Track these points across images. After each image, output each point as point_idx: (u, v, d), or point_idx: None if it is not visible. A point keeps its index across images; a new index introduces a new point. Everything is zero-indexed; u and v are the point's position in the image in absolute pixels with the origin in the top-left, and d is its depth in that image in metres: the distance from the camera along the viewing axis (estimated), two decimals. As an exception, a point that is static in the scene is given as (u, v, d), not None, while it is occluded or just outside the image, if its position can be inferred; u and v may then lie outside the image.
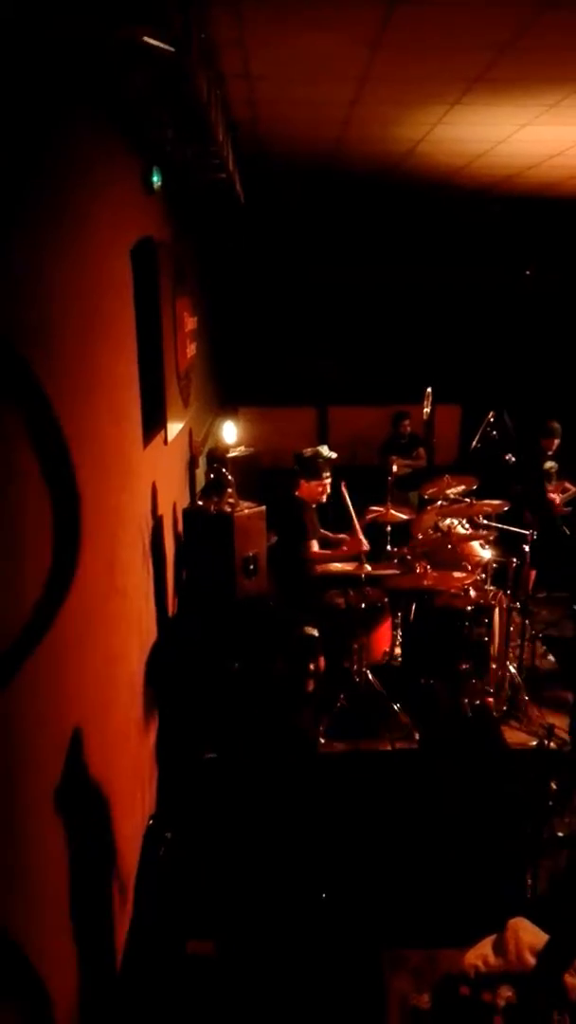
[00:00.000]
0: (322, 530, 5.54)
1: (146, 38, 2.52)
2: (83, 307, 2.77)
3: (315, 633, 4.01)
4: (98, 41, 2.56)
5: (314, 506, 5.42)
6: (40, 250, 2.30)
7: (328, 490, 5.44)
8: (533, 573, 6.47)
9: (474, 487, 6.03)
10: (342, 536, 5.47)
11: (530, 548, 5.34)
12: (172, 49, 2.57)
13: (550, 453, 6.95)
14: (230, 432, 6.63)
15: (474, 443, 5.51)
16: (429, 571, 5.13)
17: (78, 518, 2.22)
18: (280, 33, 3.37)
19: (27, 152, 2.18)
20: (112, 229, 3.31)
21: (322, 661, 3.81)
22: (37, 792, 2.16)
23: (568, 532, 6.03)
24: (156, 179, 4.20)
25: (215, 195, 5.83)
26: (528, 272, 9.11)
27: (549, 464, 6.95)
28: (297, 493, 5.36)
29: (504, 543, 5.77)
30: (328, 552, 5.38)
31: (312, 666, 3.67)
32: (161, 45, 2.56)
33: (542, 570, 6.35)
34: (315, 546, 5.35)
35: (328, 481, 5.39)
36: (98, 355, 2.99)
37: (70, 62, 2.58)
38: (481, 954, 3.05)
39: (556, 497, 6.64)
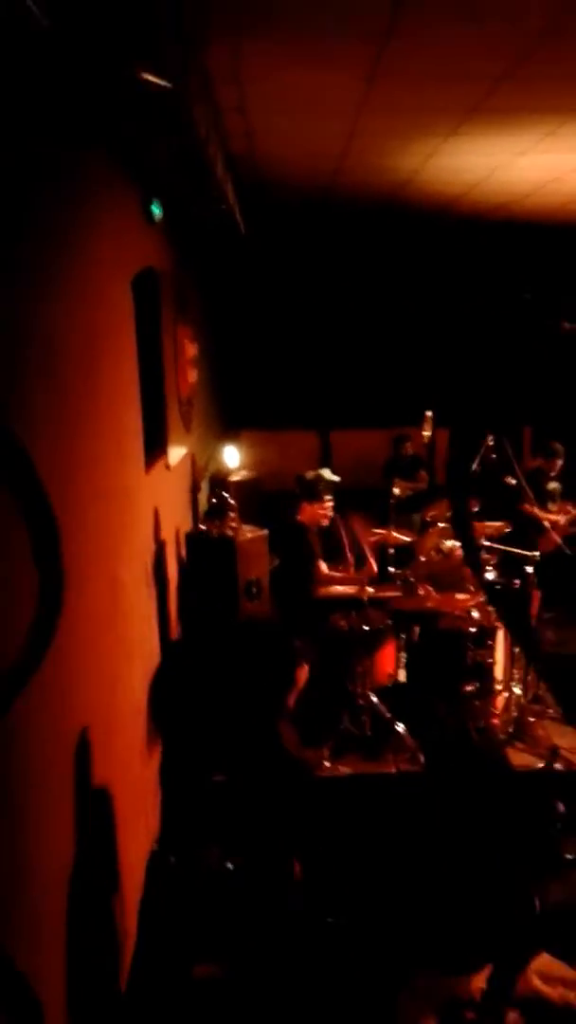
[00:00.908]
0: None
1: (145, 74, 2.59)
2: (85, 337, 2.82)
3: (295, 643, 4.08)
4: (97, 77, 2.63)
5: (316, 529, 5.45)
6: (42, 281, 2.35)
7: (331, 513, 5.46)
8: (538, 594, 6.47)
9: (475, 509, 6.05)
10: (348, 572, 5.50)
11: (534, 569, 5.35)
12: (169, 85, 2.64)
13: (553, 474, 6.97)
14: (232, 456, 6.67)
15: (474, 466, 5.56)
16: (432, 593, 5.14)
17: (59, 549, 2.20)
18: (276, 68, 3.45)
19: (29, 185, 2.24)
20: (113, 260, 3.38)
21: (305, 669, 3.81)
22: (39, 817, 2.17)
23: (570, 552, 6.06)
24: (157, 210, 4.28)
25: (216, 225, 5.92)
26: (527, 296, 9.19)
27: (552, 485, 6.97)
28: (299, 518, 5.38)
29: (507, 565, 5.78)
30: (338, 574, 5.40)
31: (294, 673, 3.67)
32: (159, 81, 2.62)
33: (548, 591, 6.36)
34: (324, 567, 5.38)
35: (330, 504, 5.41)
36: (100, 382, 3.04)
37: (71, 97, 2.66)
38: (487, 978, 3.03)
39: (560, 518, 6.65)
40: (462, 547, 5.58)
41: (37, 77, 2.25)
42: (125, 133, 3.30)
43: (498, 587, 5.65)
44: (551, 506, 6.76)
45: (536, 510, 6.48)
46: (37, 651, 2.08)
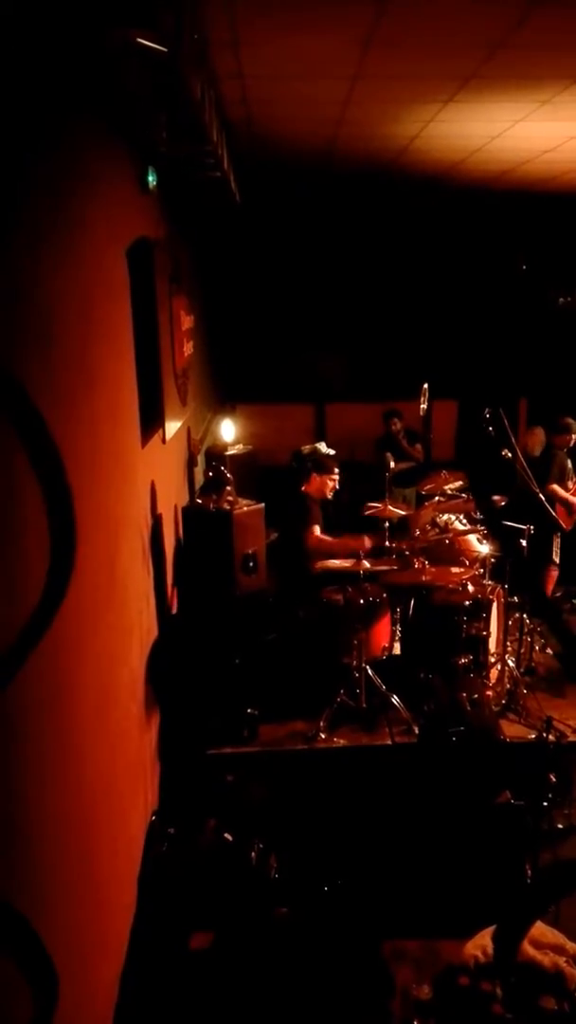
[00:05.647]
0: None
1: (139, 39, 2.54)
2: (80, 308, 2.79)
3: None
4: (92, 43, 2.58)
5: (319, 501, 5.50)
6: (37, 253, 2.32)
7: (336, 486, 5.55)
8: (555, 572, 6.51)
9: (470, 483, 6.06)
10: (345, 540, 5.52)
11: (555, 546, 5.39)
12: (164, 50, 2.59)
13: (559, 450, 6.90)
14: (228, 430, 6.65)
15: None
16: (427, 567, 5.15)
17: (73, 524, 2.22)
18: (273, 33, 3.39)
19: (23, 154, 2.20)
20: (108, 230, 3.33)
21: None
22: (38, 789, 2.18)
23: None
24: (151, 179, 4.22)
25: (211, 193, 5.85)
26: (523, 267, 9.12)
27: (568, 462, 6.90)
28: (304, 488, 5.43)
29: (502, 538, 5.79)
30: (330, 539, 5.41)
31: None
32: (154, 46, 2.57)
33: (565, 568, 6.43)
34: (317, 530, 5.41)
35: (337, 477, 5.51)
36: (95, 355, 3.01)
37: (64, 64, 2.60)
38: (480, 945, 3.08)
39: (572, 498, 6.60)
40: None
41: (31, 43, 2.20)
42: (120, 100, 3.24)
43: (495, 559, 5.67)
44: (569, 484, 6.68)
45: (558, 489, 6.44)
46: (43, 620, 2.08)
